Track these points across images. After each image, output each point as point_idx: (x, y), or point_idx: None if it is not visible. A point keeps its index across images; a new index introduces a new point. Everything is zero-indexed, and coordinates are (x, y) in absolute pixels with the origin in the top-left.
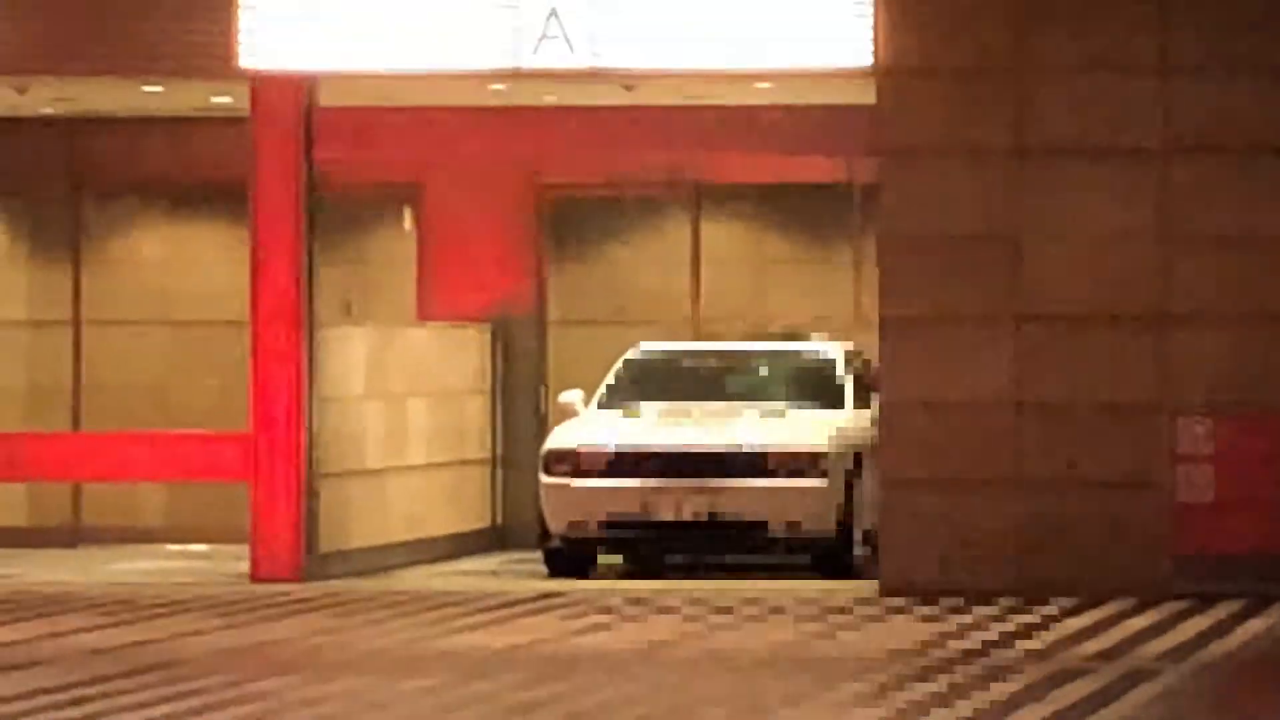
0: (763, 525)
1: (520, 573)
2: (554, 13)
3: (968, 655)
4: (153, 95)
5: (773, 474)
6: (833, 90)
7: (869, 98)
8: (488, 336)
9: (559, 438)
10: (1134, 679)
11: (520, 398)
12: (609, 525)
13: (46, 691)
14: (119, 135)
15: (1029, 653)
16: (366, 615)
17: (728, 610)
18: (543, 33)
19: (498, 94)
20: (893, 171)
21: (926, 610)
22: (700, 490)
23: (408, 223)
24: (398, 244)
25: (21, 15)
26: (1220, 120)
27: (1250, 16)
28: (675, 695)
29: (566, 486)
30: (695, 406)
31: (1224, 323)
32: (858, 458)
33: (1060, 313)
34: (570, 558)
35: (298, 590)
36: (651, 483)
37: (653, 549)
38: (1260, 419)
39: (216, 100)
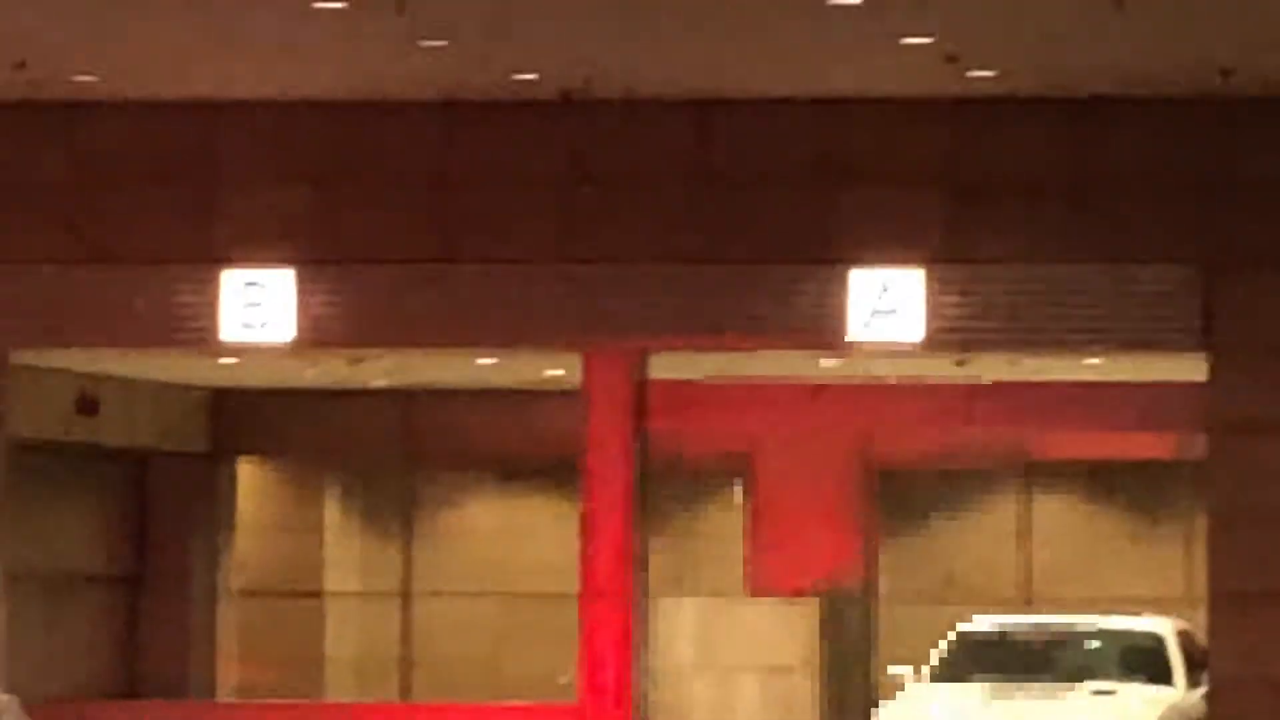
0: None
1: None
2: (885, 287)
3: None
4: (485, 367)
5: None
6: (1163, 366)
7: (1200, 373)
8: (815, 610)
9: (890, 713)
10: None
11: (849, 672)
12: None
13: None
14: (452, 407)
15: None
16: None
17: None
18: (874, 306)
19: (826, 368)
20: (1224, 447)
21: None
22: None
23: (737, 495)
24: (727, 516)
25: (352, 290)
26: None
27: None
28: None
29: None
30: (1025, 683)
31: None
32: None
33: None
34: None
35: None
36: None
37: None
38: None
39: (549, 373)
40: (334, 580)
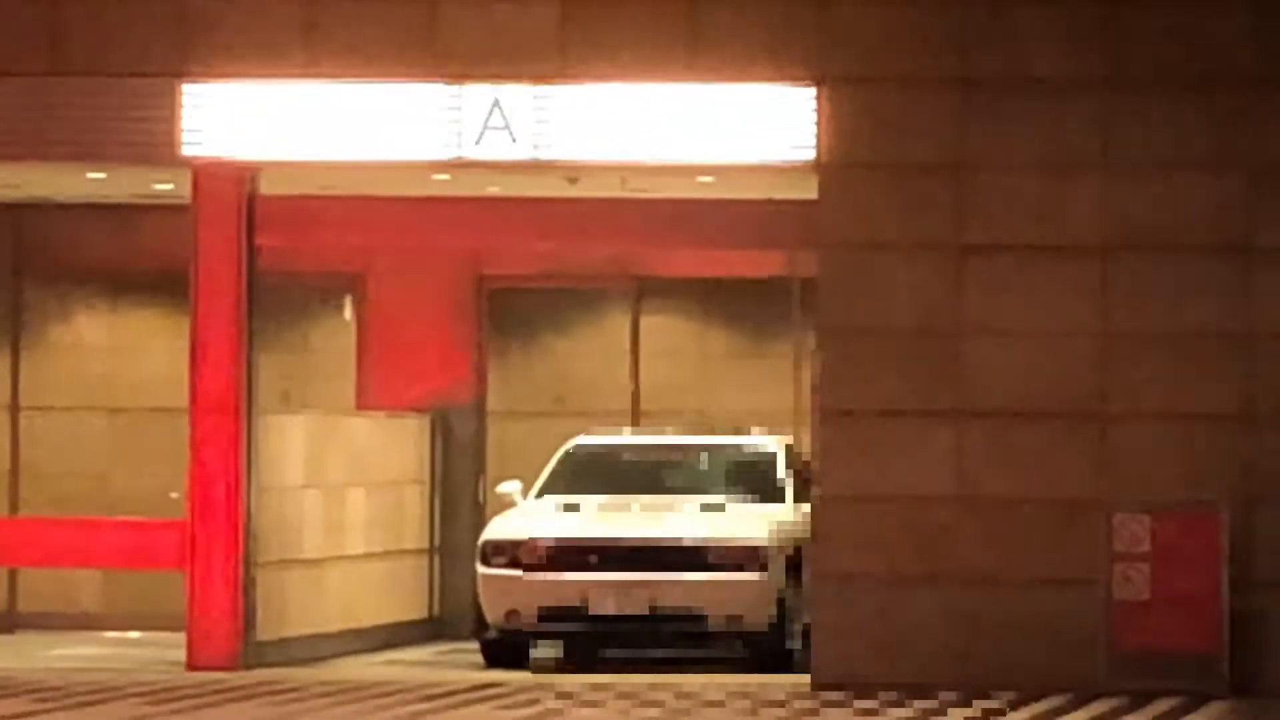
0: (701, 618)
1: (457, 663)
2: (497, 104)
3: None
4: (95, 181)
5: (711, 567)
6: (774, 184)
7: (810, 192)
8: (427, 426)
9: (497, 529)
10: None
11: (459, 488)
12: (546, 617)
13: None
14: (61, 221)
15: None
16: (302, 704)
17: (664, 704)
18: (485, 123)
19: (440, 184)
20: (832, 266)
21: (862, 704)
22: (639, 583)
23: (348, 312)
24: (338, 333)
25: None
26: (1160, 217)
27: (1190, 114)
28: None
29: (504, 578)
30: (634, 499)
31: (1162, 420)
32: (797, 551)
33: (998, 408)
34: (507, 649)
35: (233, 679)
36: (589, 575)
37: (590, 641)
38: (1197, 517)
39: (159, 187)
40: None
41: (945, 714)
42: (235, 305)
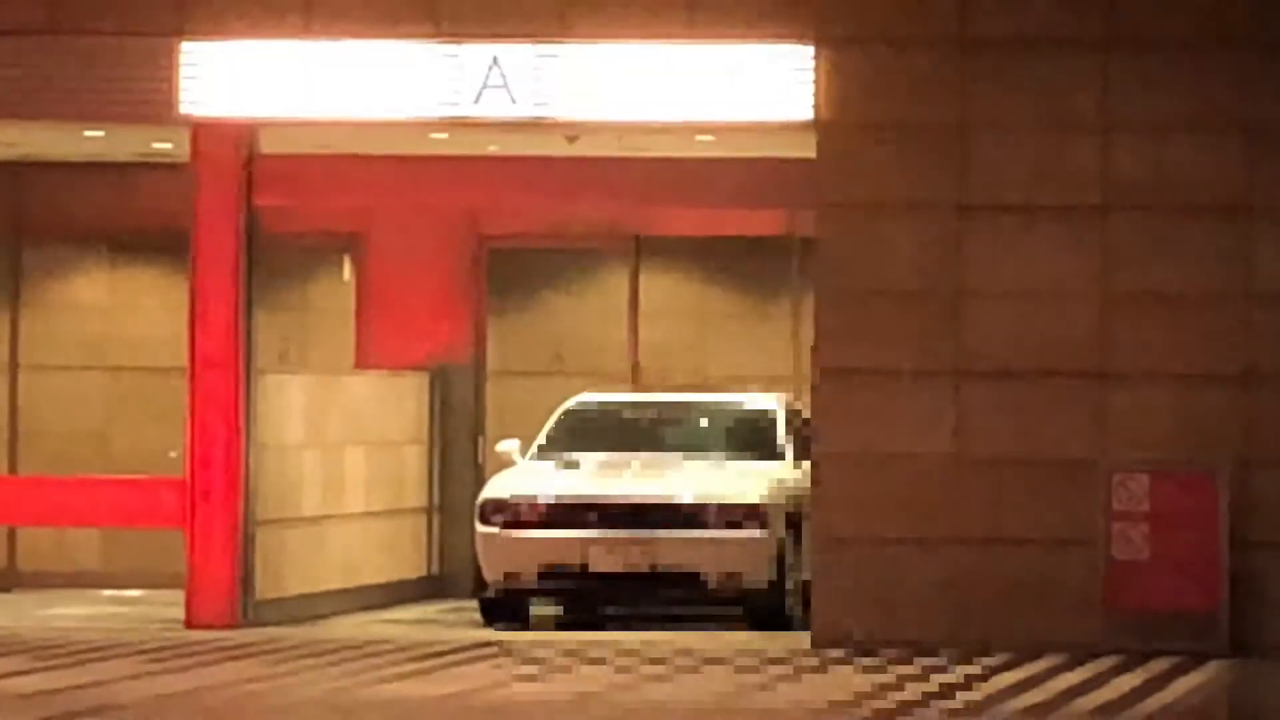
0: (700, 577)
1: (456, 622)
2: (496, 62)
3: (904, 707)
4: (94, 140)
5: (710, 526)
6: (774, 143)
7: (810, 151)
8: (426, 385)
9: (495, 487)
10: None
11: (458, 447)
12: (545, 575)
13: None
14: (60, 180)
15: (966, 704)
16: (301, 663)
17: (663, 661)
18: (484, 82)
19: (439, 143)
20: (832, 225)
21: (861, 663)
22: (637, 541)
23: (347, 271)
24: (337, 292)
25: None
26: (1159, 177)
27: (1189, 74)
28: None
29: (503, 536)
30: (633, 457)
31: (1161, 380)
32: (796, 510)
33: (998, 368)
34: (506, 607)
35: (232, 637)
36: (588, 533)
37: (589, 599)
38: (1196, 477)
39: (157, 146)
40: None
41: (944, 672)
42: (234, 264)
